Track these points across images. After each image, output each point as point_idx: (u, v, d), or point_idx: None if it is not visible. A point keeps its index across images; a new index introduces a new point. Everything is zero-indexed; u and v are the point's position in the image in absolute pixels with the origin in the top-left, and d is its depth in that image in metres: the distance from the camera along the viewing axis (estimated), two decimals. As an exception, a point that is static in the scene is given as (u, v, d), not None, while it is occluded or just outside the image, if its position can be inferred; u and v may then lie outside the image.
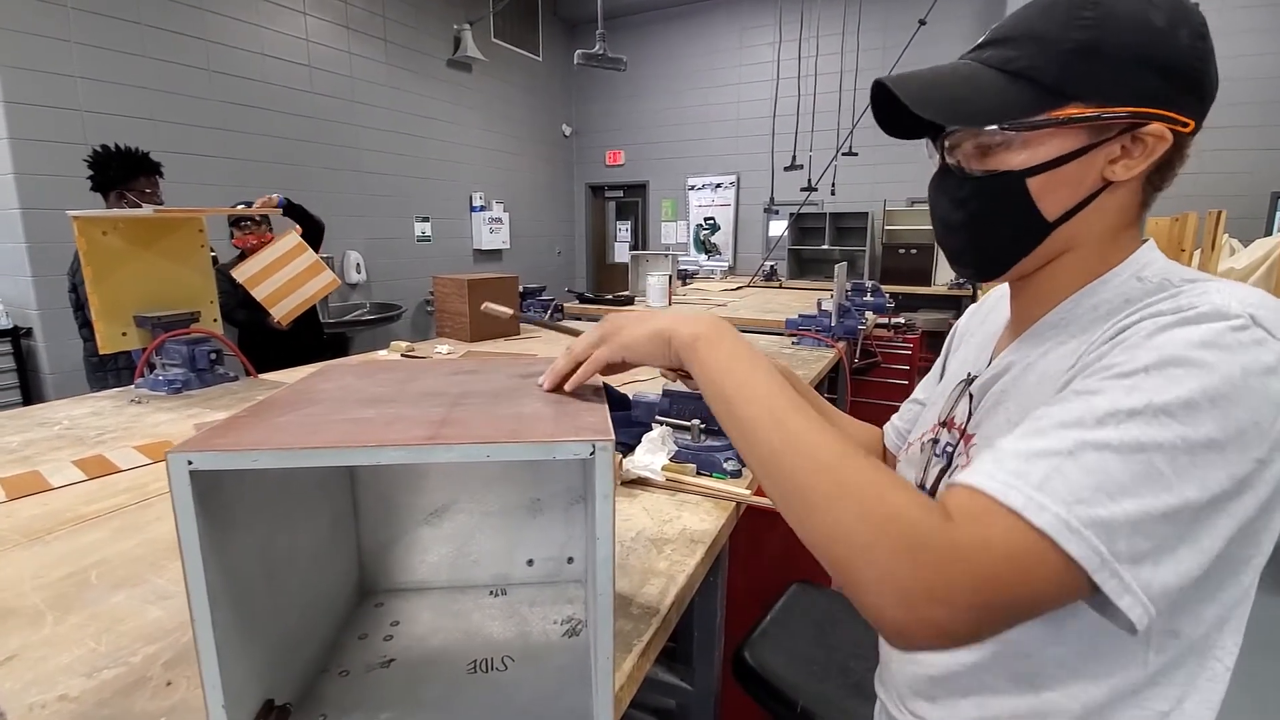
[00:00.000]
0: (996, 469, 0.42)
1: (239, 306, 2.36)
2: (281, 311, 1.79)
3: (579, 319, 3.10)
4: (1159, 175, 0.53)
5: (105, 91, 3.38)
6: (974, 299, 4.97)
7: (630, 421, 1.11)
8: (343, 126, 4.79)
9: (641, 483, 0.97)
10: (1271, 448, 0.41)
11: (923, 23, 3.95)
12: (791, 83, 5.24)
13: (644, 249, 7.45)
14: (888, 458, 0.88)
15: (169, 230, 1.60)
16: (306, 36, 4.48)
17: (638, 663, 0.58)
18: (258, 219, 2.50)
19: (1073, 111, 0.50)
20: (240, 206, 2.44)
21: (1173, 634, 0.49)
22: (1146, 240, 0.57)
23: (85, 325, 2.21)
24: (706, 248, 7.30)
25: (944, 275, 5.63)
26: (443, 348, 2.07)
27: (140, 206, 2.04)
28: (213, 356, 1.60)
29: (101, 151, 2.14)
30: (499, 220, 6.46)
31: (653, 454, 0.99)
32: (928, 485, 0.67)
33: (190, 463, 0.36)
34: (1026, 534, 0.39)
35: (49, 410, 1.39)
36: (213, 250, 1.82)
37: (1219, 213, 2.68)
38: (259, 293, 1.76)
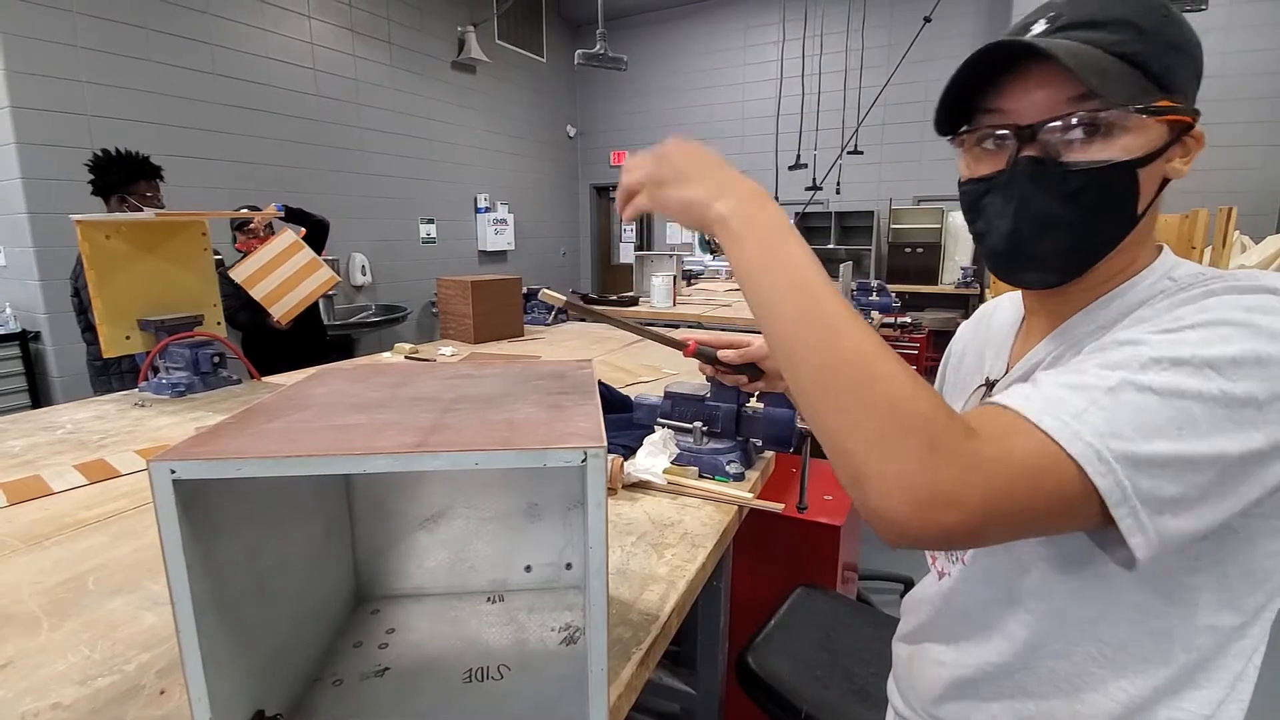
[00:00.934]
0: (1034, 393, 0.42)
1: (241, 309, 2.36)
2: (281, 310, 1.78)
3: (583, 321, 3.09)
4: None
5: (111, 96, 3.40)
6: (982, 298, 4.94)
7: (632, 424, 1.10)
8: (347, 129, 4.80)
9: (643, 486, 0.96)
10: None
11: (928, 20, 3.92)
12: (795, 81, 5.22)
13: (649, 249, 7.44)
14: None
15: (172, 234, 1.60)
16: (311, 40, 4.50)
17: (636, 671, 0.57)
18: (256, 229, 2.51)
19: (1173, 102, 0.49)
20: (244, 210, 2.44)
21: (1212, 628, 0.49)
22: (1161, 246, 0.56)
23: (88, 329, 2.22)
24: (712, 248, 7.26)
25: (951, 274, 5.60)
26: (447, 349, 2.07)
27: (141, 210, 2.05)
28: (216, 360, 1.60)
29: (102, 156, 2.14)
30: (503, 221, 6.46)
31: (654, 457, 0.98)
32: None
33: (173, 471, 0.36)
34: (1056, 457, 0.39)
35: (53, 414, 1.40)
36: (217, 253, 1.82)
37: (1230, 209, 2.64)
38: (257, 292, 1.75)
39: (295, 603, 0.53)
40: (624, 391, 1.20)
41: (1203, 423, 0.39)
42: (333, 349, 3.11)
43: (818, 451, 0.99)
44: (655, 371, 1.76)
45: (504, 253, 6.58)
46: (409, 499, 0.65)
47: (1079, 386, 0.41)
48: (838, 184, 5.04)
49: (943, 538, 0.39)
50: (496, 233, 6.36)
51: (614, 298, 3.39)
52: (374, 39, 4.99)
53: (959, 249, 5.60)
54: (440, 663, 0.56)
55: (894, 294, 3.24)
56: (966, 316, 0.81)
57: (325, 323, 3.18)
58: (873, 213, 6.06)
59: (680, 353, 0.84)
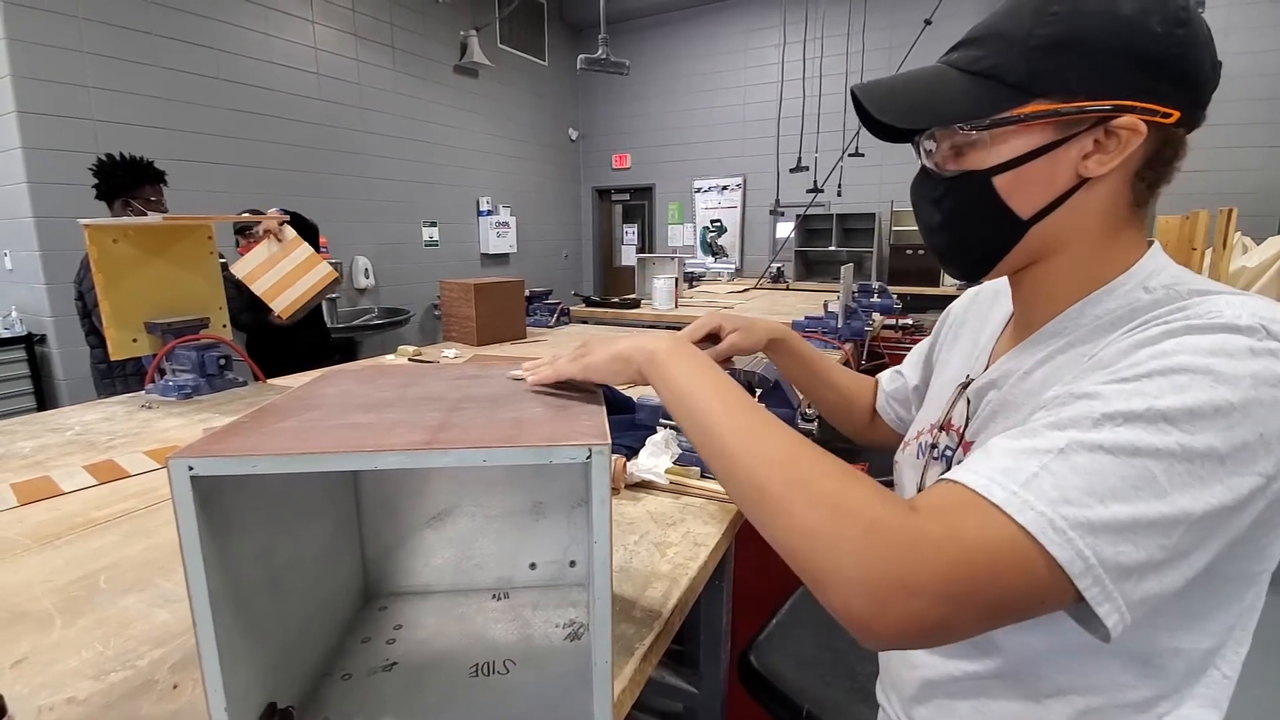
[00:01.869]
0: (982, 465, 0.40)
1: (244, 310, 2.38)
2: (282, 305, 1.79)
3: (585, 323, 3.10)
4: (1151, 171, 0.51)
5: (117, 100, 3.42)
6: (983, 299, 4.93)
7: (634, 425, 1.11)
8: (351, 133, 4.83)
9: (646, 486, 0.97)
10: (1278, 464, 0.39)
11: (928, 22, 3.94)
12: (797, 84, 5.24)
13: (651, 252, 7.46)
14: (875, 416, 0.93)
15: (178, 237, 1.62)
16: (315, 44, 4.53)
17: (639, 666, 0.58)
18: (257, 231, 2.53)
19: (1033, 108, 0.49)
20: (246, 214, 2.46)
21: (1174, 651, 0.48)
22: (1152, 243, 0.55)
23: (92, 332, 2.24)
24: (713, 250, 7.29)
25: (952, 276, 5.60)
26: (450, 351, 2.08)
27: (144, 214, 2.07)
28: (222, 362, 1.62)
29: (106, 160, 2.16)
30: (506, 224, 6.48)
31: (656, 457, 0.99)
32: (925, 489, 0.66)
33: (191, 468, 0.37)
34: (1006, 528, 0.37)
35: (61, 416, 1.41)
36: (222, 257, 1.83)
37: (1230, 210, 2.65)
38: (258, 287, 1.76)
39: (306, 599, 0.54)
40: (626, 393, 1.21)
41: (1162, 481, 0.37)
42: (336, 351, 3.13)
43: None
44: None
45: (506, 255, 6.60)
46: (416, 498, 0.66)
47: (1029, 451, 0.40)
48: (839, 186, 5.05)
49: (911, 631, 0.37)
50: (499, 236, 6.38)
51: (616, 300, 3.40)
52: (377, 43, 5.02)
53: (960, 251, 5.60)
54: (447, 658, 0.57)
55: (895, 296, 3.25)
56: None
57: (328, 325, 3.20)
58: (874, 215, 6.07)
59: None
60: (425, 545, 0.67)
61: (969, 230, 0.57)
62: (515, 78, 6.55)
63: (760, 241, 6.97)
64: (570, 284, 7.67)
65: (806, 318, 2.38)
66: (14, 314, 3.30)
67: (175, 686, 0.55)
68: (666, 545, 0.80)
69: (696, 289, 4.41)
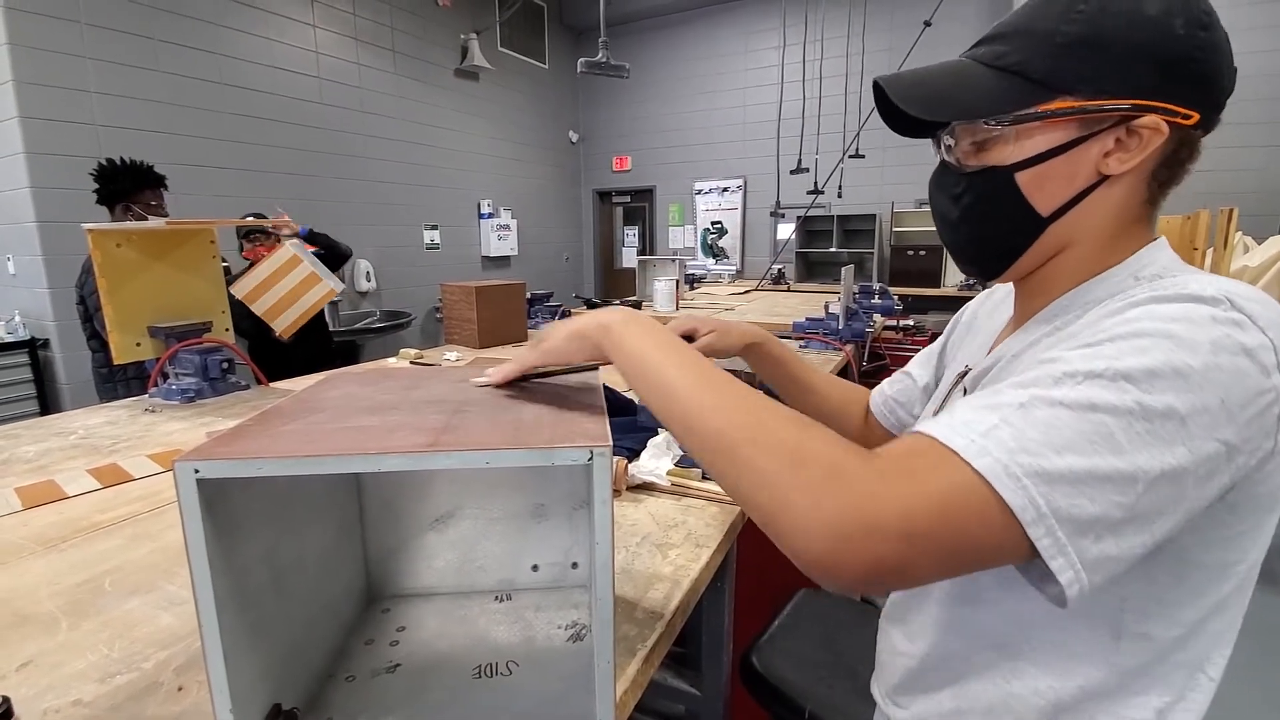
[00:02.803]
0: (945, 418, 0.41)
1: (246, 317, 2.39)
2: (282, 325, 1.81)
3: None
4: (1165, 170, 0.52)
5: (119, 105, 3.44)
6: (984, 300, 4.93)
7: (635, 427, 1.11)
8: (352, 137, 4.85)
9: (647, 488, 0.98)
10: (1240, 433, 0.39)
11: (928, 24, 3.95)
12: (797, 86, 5.24)
13: (651, 254, 7.47)
14: (870, 421, 0.88)
15: (181, 241, 1.63)
16: (316, 49, 4.54)
17: (641, 667, 0.58)
18: (268, 230, 2.54)
19: (1057, 105, 0.50)
20: (250, 218, 2.47)
21: (1144, 636, 0.49)
22: (1157, 239, 0.55)
23: (94, 337, 2.25)
24: (714, 252, 7.30)
25: (954, 277, 5.60)
26: (451, 354, 2.09)
27: (145, 219, 2.07)
28: (225, 366, 1.63)
29: (108, 165, 2.17)
30: (507, 227, 6.50)
31: (658, 459, 0.99)
32: None
33: (197, 471, 0.37)
34: (963, 472, 0.37)
35: (65, 420, 1.42)
36: (225, 261, 1.84)
37: (1230, 210, 2.65)
38: (258, 307, 1.78)
39: (310, 601, 0.54)
40: (628, 395, 1.21)
41: (1119, 437, 0.37)
42: (337, 355, 3.14)
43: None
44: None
45: (507, 258, 6.61)
46: (418, 500, 0.66)
47: (991, 406, 0.40)
48: (839, 187, 5.06)
49: (872, 572, 0.37)
50: (500, 238, 6.40)
51: (616, 302, 3.41)
52: (378, 47, 5.03)
53: (961, 252, 5.60)
54: (450, 659, 0.57)
55: (896, 297, 3.26)
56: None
57: (330, 329, 3.20)
58: (875, 216, 6.08)
59: None
60: (428, 547, 0.67)
61: (988, 226, 0.57)
62: (516, 81, 6.56)
63: (761, 243, 6.97)
64: (571, 286, 7.68)
65: (807, 319, 2.38)
66: (17, 318, 3.31)
67: (180, 689, 0.55)
68: (668, 547, 0.80)
69: (698, 291, 4.41)
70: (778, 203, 5.48)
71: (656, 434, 1.04)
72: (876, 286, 3.19)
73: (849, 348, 2.19)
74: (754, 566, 1.42)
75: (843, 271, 2.37)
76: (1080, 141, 0.50)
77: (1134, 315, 0.42)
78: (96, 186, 2.17)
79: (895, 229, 5.90)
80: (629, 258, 7.94)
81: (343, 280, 2.40)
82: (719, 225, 7.22)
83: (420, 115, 5.45)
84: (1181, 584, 0.47)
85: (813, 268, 6.60)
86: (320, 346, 2.89)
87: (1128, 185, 0.52)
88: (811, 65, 5.26)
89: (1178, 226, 2.89)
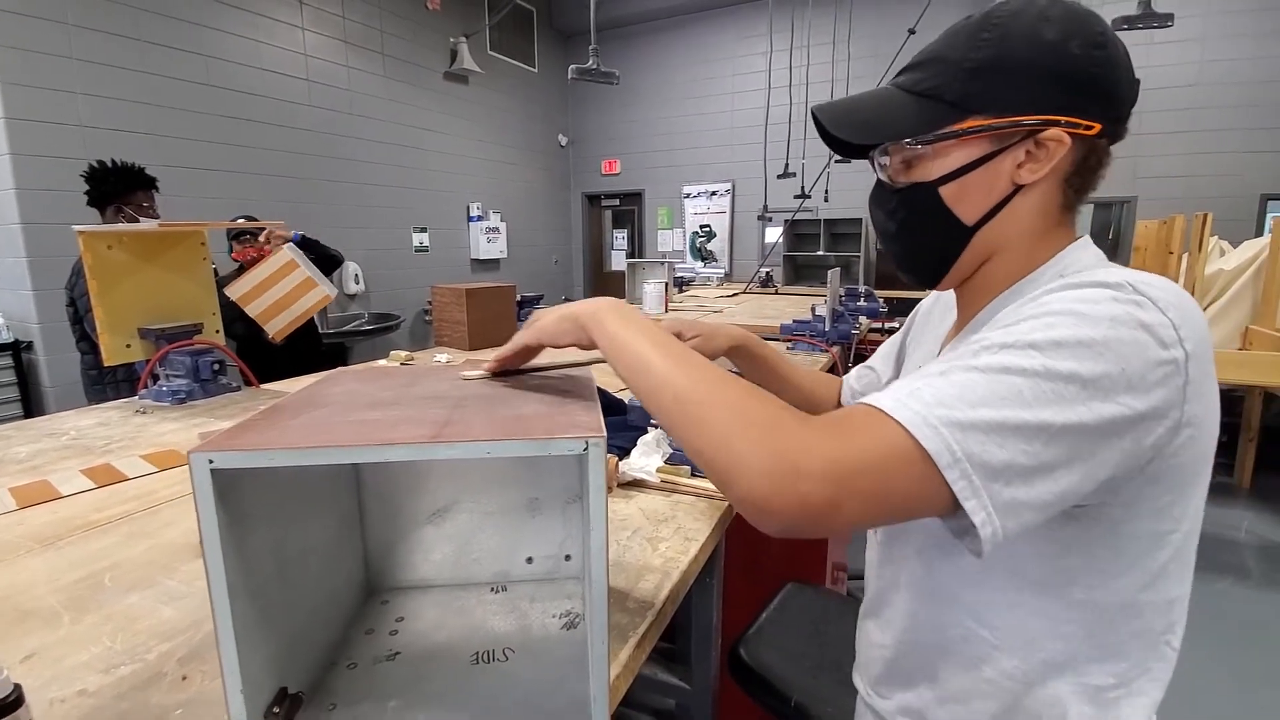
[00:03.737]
0: (879, 392, 0.46)
1: (237, 320, 2.38)
2: (275, 328, 1.82)
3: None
4: (1078, 177, 0.57)
5: (106, 107, 3.42)
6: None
7: (626, 425, 1.13)
8: (341, 139, 4.84)
9: (637, 485, 1.00)
10: (1144, 400, 0.43)
11: (912, 32, 4.01)
12: (784, 91, 5.30)
13: (640, 257, 7.49)
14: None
15: (172, 244, 1.63)
16: (305, 51, 4.53)
17: (633, 653, 0.60)
18: (255, 232, 2.54)
19: (969, 124, 0.55)
20: (240, 220, 2.47)
21: (1090, 605, 0.53)
22: (1080, 238, 0.60)
23: (83, 339, 2.24)
24: (703, 255, 7.34)
25: (938, 280, 5.66)
26: (442, 356, 2.10)
27: (137, 221, 2.07)
28: (216, 367, 1.63)
29: (99, 167, 2.16)
30: (496, 230, 6.50)
31: (648, 456, 1.01)
32: None
33: (211, 461, 0.39)
34: (887, 425, 0.42)
35: (56, 421, 1.42)
36: (213, 264, 1.84)
37: (1205, 215, 2.72)
38: (252, 310, 1.79)
39: (313, 591, 0.56)
40: (618, 395, 1.23)
41: (1026, 395, 0.42)
42: (327, 357, 3.13)
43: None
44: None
45: (496, 261, 6.62)
46: (416, 495, 0.68)
47: (916, 377, 0.46)
48: (826, 192, 5.11)
49: (804, 511, 0.41)
50: (489, 241, 6.40)
51: (607, 305, 3.42)
52: (367, 50, 5.03)
53: (946, 255, 5.67)
54: (448, 647, 0.59)
55: (881, 299, 3.30)
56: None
57: (319, 331, 3.20)
58: (860, 220, 6.14)
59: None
60: (425, 541, 0.69)
61: (921, 237, 0.62)
62: (505, 84, 6.58)
63: (749, 246, 7.02)
64: (561, 289, 7.69)
65: (795, 321, 2.42)
66: (0, 321, 3.28)
67: (184, 678, 0.56)
68: (658, 540, 0.83)
69: (686, 294, 4.44)
70: (765, 206, 5.52)
71: (646, 432, 1.07)
72: (862, 289, 3.23)
73: (835, 349, 2.23)
74: (742, 561, 1.45)
75: (829, 274, 2.41)
76: (993, 155, 0.56)
77: (1045, 300, 0.47)
78: (87, 189, 2.16)
79: (881, 233, 5.95)
80: (618, 260, 7.96)
81: (335, 285, 2.40)
82: (707, 229, 7.26)
83: (409, 118, 5.45)
84: (1120, 556, 0.51)
85: (800, 270, 6.66)
86: (310, 349, 2.89)
87: (1043, 192, 0.57)
88: (799, 71, 5.32)
89: (1154, 231, 2.96)
